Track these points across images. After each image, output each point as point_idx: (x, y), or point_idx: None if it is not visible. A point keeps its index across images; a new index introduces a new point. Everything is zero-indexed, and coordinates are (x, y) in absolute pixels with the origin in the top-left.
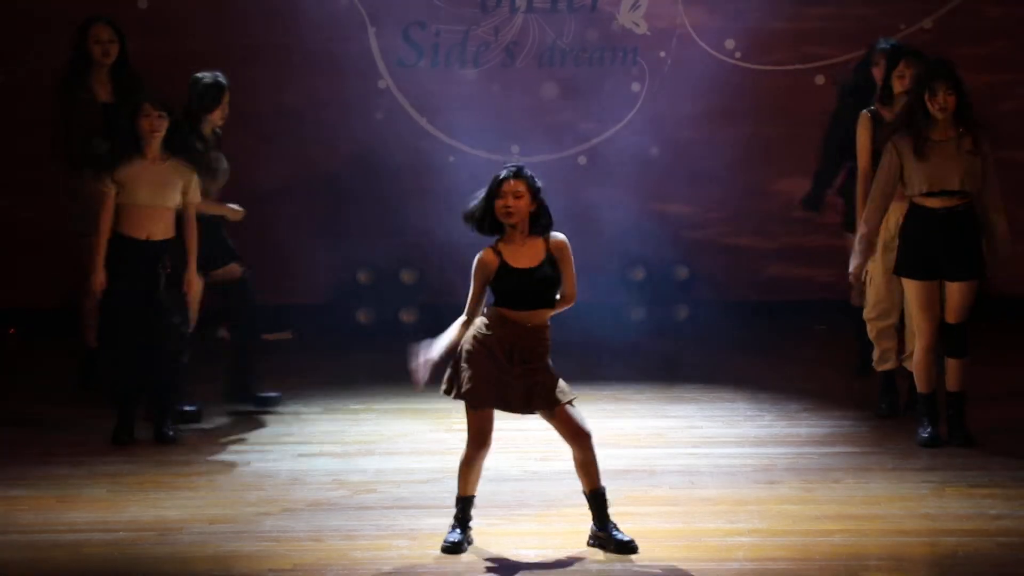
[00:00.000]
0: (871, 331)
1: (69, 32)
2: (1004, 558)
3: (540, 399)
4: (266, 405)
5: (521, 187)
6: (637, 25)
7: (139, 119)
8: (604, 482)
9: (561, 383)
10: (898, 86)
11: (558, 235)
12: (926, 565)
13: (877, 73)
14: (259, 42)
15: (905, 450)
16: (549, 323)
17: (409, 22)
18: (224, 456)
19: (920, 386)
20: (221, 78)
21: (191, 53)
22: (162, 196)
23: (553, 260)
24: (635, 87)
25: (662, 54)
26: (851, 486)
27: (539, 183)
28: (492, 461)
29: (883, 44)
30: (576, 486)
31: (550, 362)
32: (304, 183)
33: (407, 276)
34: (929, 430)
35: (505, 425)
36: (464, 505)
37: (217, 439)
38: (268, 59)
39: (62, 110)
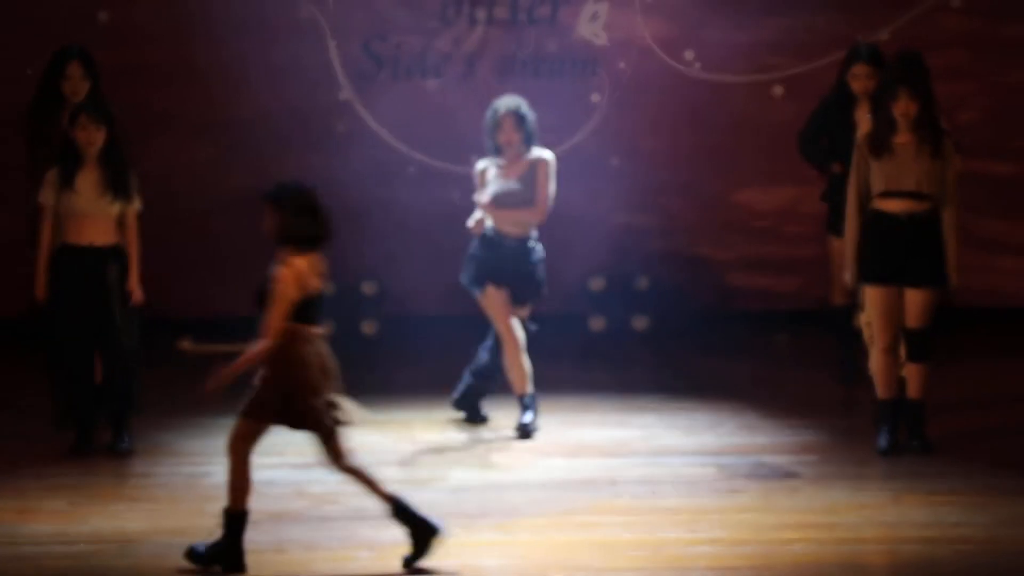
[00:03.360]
0: (867, 335)
1: (32, 42)
2: (963, 566)
3: None
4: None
5: None
6: (597, 36)
7: (76, 130)
8: (565, 490)
9: None
10: (854, 86)
11: None
12: (886, 573)
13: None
14: (219, 54)
15: (864, 458)
16: None
17: (370, 34)
18: (185, 468)
19: (879, 391)
20: (499, 106)
21: (151, 65)
22: (101, 204)
23: None
24: (595, 98)
25: (621, 65)
26: (811, 494)
27: None
28: (453, 471)
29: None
30: (538, 495)
31: None
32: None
33: (368, 287)
34: (888, 438)
35: (466, 436)
36: None
37: (177, 450)
38: (228, 71)
39: (28, 141)
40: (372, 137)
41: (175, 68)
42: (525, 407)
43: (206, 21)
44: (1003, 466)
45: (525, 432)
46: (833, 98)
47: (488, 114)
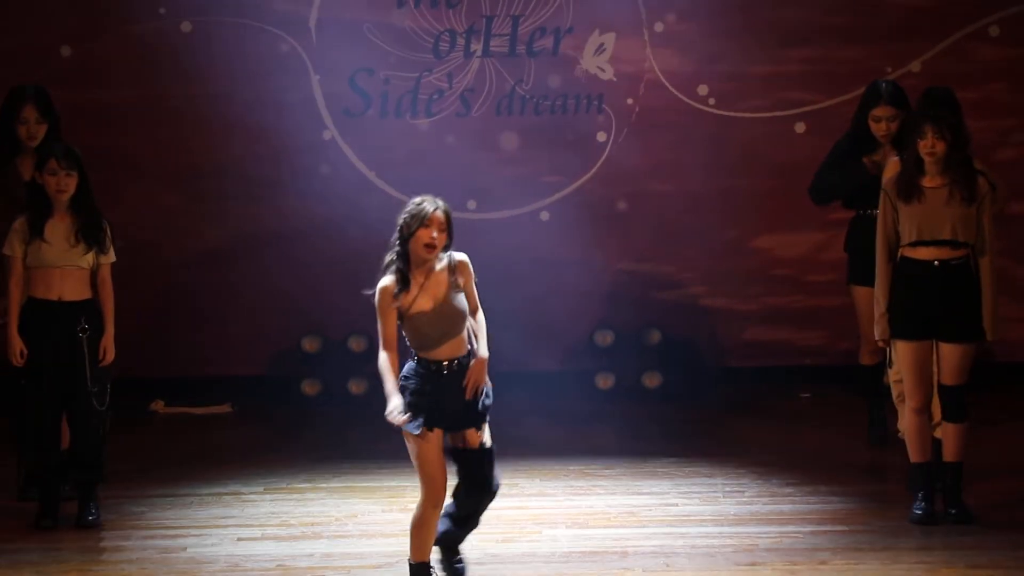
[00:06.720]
0: (895, 393)
1: None
2: None
3: None
4: None
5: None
6: (602, 70)
7: (45, 176)
8: (571, 563)
9: None
10: (875, 130)
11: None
12: None
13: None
14: (193, 91)
15: (897, 528)
16: None
17: (356, 68)
18: (157, 541)
19: (912, 455)
20: (424, 204)
21: (118, 105)
22: (72, 256)
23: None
24: (601, 136)
25: (630, 101)
26: (839, 568)
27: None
28: None
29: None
30: (543, 569)
31: None
32: (243, 244)
33: (355, 343)
34: (923, 505)
35: None
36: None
37: (150, 523)
38: (203, 109)
39: None
40: (359, 180)
41: (145, 108)
42: None
43: (177, 56)
44: None
45: None
46: (848, 143)
47: (409, 213)
